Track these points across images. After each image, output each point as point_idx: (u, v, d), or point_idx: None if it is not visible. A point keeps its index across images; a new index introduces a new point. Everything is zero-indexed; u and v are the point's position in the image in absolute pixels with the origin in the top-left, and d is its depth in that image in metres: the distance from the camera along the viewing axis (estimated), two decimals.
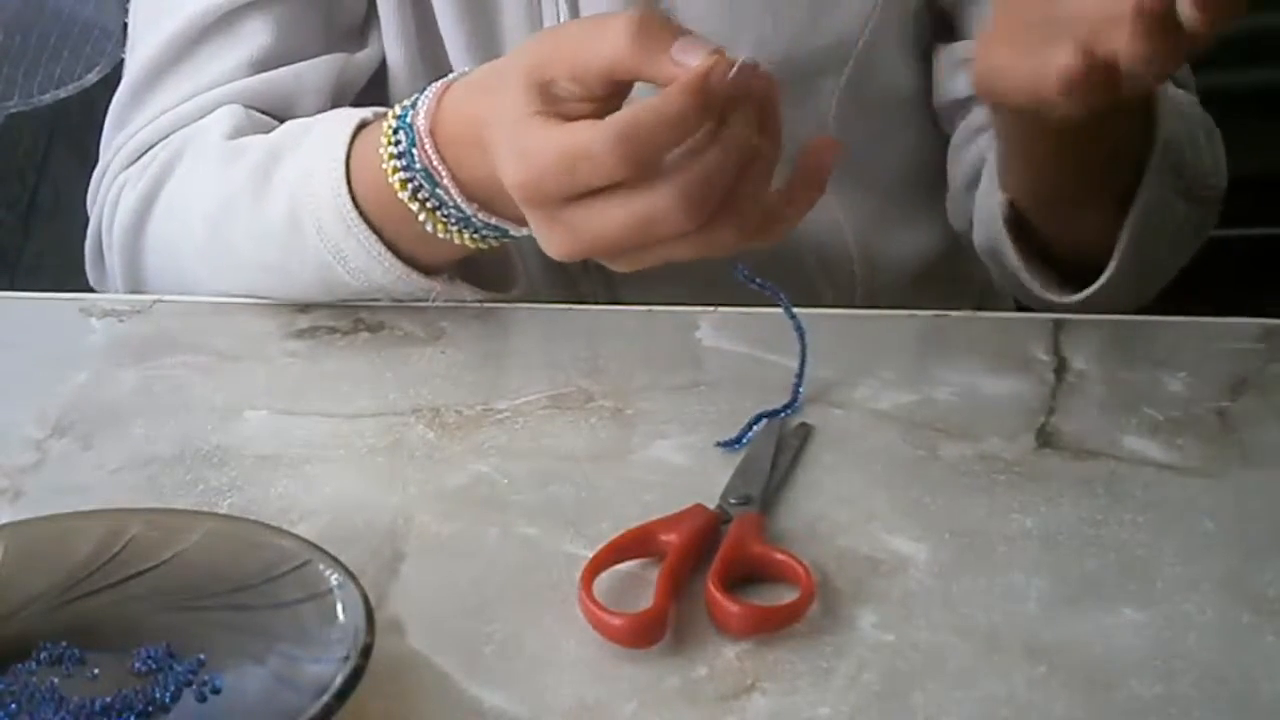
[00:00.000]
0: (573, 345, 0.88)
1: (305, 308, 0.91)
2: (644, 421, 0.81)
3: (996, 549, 0.71)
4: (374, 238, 0.86)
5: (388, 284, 0.88)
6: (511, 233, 0.83)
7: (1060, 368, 0.83)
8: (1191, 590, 0.68)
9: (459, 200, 0.82)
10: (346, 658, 0.61)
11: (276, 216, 0.89)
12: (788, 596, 0.67)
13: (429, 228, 0.84)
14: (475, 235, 0.84)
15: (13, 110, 1.71)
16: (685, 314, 0.90)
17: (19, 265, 1.73)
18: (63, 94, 1.73)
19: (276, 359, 0.88)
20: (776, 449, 0.77)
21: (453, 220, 0.84)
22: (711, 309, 0.90)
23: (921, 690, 0.64)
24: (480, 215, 0.82)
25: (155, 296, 0.94)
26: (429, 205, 0.83)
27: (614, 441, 0.79)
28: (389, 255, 0.87)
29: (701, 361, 0.86)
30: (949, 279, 1.08)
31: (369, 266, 0.87)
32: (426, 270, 0.88)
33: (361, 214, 0.86)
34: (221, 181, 0.92)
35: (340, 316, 0.91)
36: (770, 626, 0.66)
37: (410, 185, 0.83)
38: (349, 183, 0.86)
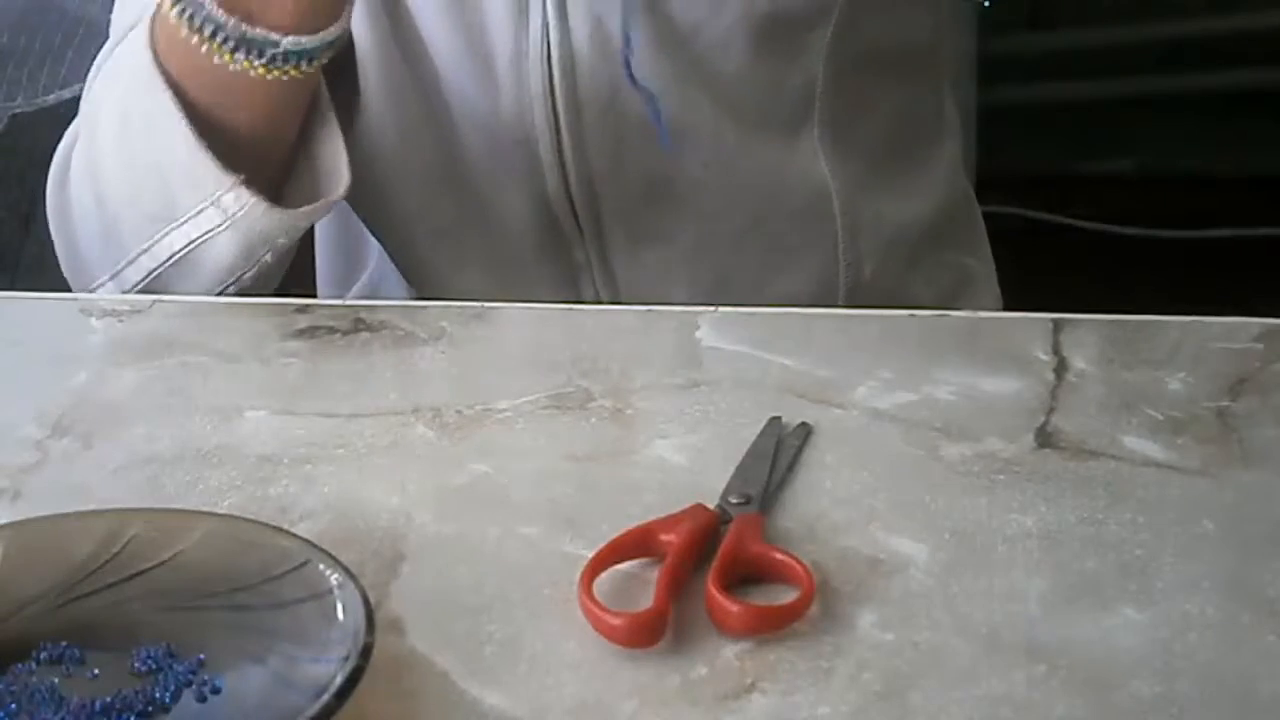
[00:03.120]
0: (573, 345, 0.88)
1: (305, 308, 0.91)
2: (644, 421, 0.81)
3: (996, 549, 0.71)
4: (169, 92, 0.87)
5: (188, 164, 0.88)
6: (284, 46, 0.85)
7: (1060, 368, 0.83)
8: (1191, 590, 0.68)
9: (218, 13, 0.84)
10: (346, 658, 0.61)
11: (116, 105, 0.91)
12: (788, 596, 0.67)
13: (213, 58, 0.85)
14: (262, 62, 0.85)
15: (16, 111, 1.71)
16: (685, 314, 0.90)
17: (19, 265, 1.73)
18: (66, 95, 1.73)
19: (276, 359, 0.88)
20: (776, 449, 0.77)
21: (229, 45, 0.85)
22: (712, 309, 0.90)
23: (921, 690, 0.63)
24: (244, 27, 0.85)
25: (155, 297, 0.94)
26: (204, 32, 0.85)
27: (614, 441, 0.79)
28: (183, 120, 0.87)
29: (701, 361, 0.86)
30: (929, 253, 1.08)
31: (170, 141, 0.88)
32: (240, 149, 0.88)
33: (162, 71, 0.88)
34: (99, 94, 0.95)
35: (340, 316, 0.91)
36: (770, 626, 0.66)
37: (184, 12, 0.85)
38: (152, 39, 0.89)
